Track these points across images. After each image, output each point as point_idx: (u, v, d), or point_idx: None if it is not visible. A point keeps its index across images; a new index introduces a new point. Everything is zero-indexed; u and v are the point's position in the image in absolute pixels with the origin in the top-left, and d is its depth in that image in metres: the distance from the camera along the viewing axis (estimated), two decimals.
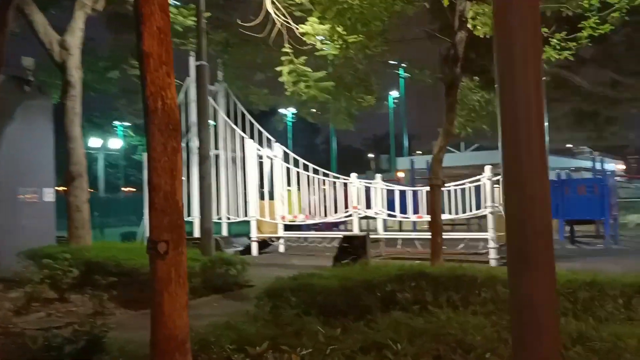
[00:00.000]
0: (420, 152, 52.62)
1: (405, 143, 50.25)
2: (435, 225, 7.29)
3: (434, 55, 16.57)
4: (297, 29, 11.54)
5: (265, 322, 5.94)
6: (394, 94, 51.06)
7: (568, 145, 55.99)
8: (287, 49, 12.05)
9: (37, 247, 10.50)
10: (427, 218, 12.84)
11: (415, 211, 13.07)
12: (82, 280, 9.08)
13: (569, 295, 5.32)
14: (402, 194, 13.49)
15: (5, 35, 7.49)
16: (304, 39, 11.77)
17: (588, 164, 38.05)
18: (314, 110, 18.15)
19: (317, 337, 5.22)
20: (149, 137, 3.49)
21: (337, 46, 10.96)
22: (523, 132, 2.11)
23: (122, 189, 51.51)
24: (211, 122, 17.23)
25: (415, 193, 13.10)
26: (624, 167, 55.79)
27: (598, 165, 34.43)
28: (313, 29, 10.86)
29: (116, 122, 36.51)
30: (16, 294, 8.83)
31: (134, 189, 54.04)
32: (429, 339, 4.65)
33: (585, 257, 12.60)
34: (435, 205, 7.25)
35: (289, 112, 51.70)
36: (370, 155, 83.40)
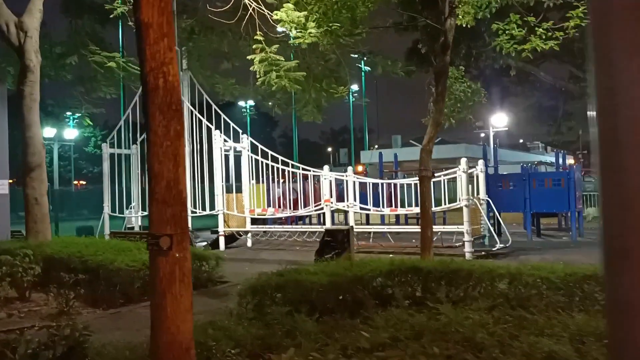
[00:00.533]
0: (377, 147, 52.87)
1: (367, 137, 50.33)
2: (426, 218, 7.09)
3: (400, 47, 16.39)
4: (271, 15, 11.14)
5: (252, 322, 5.60)
6: (354, 87, 51.11)
7: (520, 140, 57.48)
8: (259, 36, 11.63)
9: None
10: (402, 211, 12.74)
11: (389, 204, 12.93)
12: (44, 278, 8.50)
13: (576, 289, 5.20)
14: (374, 187, 13.33)
15: None
16: (277, 26, 11.39)
17: (544, 157, 39.06)
18: (273, 102, 17.78)
19: (313, 337, 4.93)
20: (148, 119, 3.11)
21: (313, 34, 10.65)
22: (623, 118, 1.82)
23: (73, 182, 49.60)
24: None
25: (388, 186, 12.95)
26: (573, 161, 57.80)
27: (552, 160, 35.23)
28: (288, 16, 10.48)
29: (70, 113, 35.01)
30: None
31: (85, 182, 52.21)
32: (435, 337, 4.43)
33: (556, 249, 12.75)
34: (425, 198, 7.05)
35: (248, 104, 51.00)
36: (329, 148, 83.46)
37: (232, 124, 15.99)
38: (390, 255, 9.88)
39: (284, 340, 4.93)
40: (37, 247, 8.98)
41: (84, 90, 17.11)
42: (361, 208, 13.12)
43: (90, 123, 20.47)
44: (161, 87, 3.07)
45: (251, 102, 44.72)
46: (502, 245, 11.76)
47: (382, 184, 13.23)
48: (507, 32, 7.78)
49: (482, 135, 40.52)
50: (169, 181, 3.05)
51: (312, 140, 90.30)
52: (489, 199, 12.27)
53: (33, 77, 9.83)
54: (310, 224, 16.73)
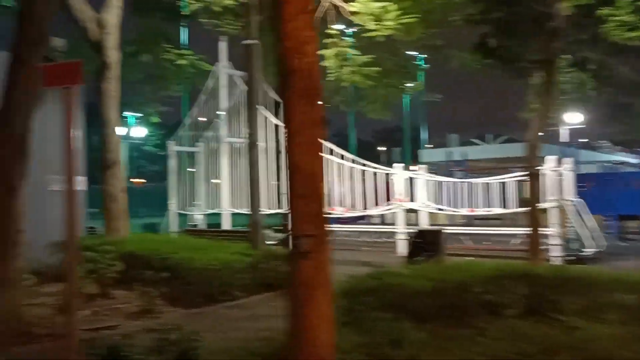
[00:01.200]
0: (432, 146, 51.61)
1: (425, 135, 49.23)
2: (535, 220, 6.57)
3: (456, 42, 15.58)
4: (345, 9, 10.77)
5: (348, 328, 5.24)
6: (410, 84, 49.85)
7: (581, 140, 54.92)
8: (332, 30, 11.28)
9: None
10: (482, 212, 12.14)
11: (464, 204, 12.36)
12: (124, 275, 8.43)
13: None
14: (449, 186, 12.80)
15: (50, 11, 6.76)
16: (351, 18, 11.01)
17: (614, 157, 37.19)
18: (339, 99, 17.40)
19: (424, 348, 4.53)
20: (286, 106, 2.77)
21: (390, 26, 10.27)
22: None
23: (132, 180, 50.71)
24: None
25: (467, 185, 12.38)
26: (637, 160, 54.90)
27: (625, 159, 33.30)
28: (366, 8, 10.09)
29: (129, 112, 35.54)
30: (51, 289, 8.17)
31: (145, 180, 53.34)
32: (573, 355, 3.94)
33: None
34: (534, 197, 6.53)
35: None
36: (381, 147, 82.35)
37: None
38: (471, 258, 9.38)
39: (393, 350, 4.55)
40: (116, 244, 8.93)
41: (152, 89, 17.25)
42: (439, 209, 12.61)
43: (160, 120, 20.68)
44: (300, 70, 2.74)
45: None
46: (594, 249, 10.95)
47: (459, 183, 12.66)
48: (616, 18, 7.13)
49: (548, 133, 38.65)
50: (308, 175, 2.73)
51: (365, 140, 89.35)
52: (582, 200, 11.45)
53: (112, 74, 9.82)
54: (371, 224, 16.32)
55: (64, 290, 4.96)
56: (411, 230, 12.07)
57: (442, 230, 8.88)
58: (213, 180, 16.80)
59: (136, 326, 6.55)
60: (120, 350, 3.81)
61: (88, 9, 9.92)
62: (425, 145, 52.29)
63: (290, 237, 2.75)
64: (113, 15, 9.90)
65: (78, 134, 12.26)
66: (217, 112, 16.58)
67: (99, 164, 10.41)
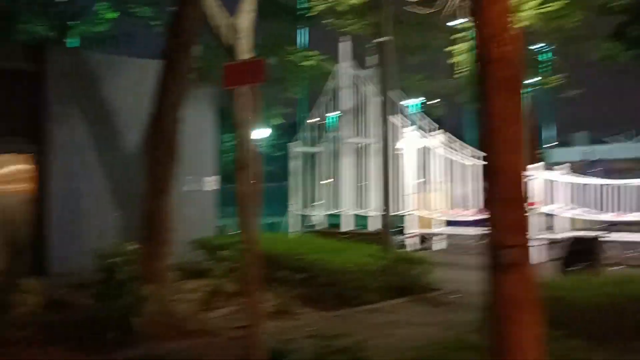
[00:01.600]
0: (557, 143, 48.35)
1: (549, 134, 46.29)
2: None
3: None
4: None
5: None
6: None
7: None
8: (467, 24, 10.77)
9: (208, 237, 10.22)
10: (633, 217, 11.00)
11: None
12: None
13: None
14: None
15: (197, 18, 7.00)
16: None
17: None
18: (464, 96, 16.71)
19: None
20: (483, 98, 2.49)
21: (528, 17, 9.63)
22: None
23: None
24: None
25: (614, 187, 11.27)
26: None
27: None
28: None
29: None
30: (192, 285, 8.47)
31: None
32: None
33: None
34: None
35: (414, 102, 49.77)
36: None
37: (419, 121, 15.28)
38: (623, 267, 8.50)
39: None
40: None
41: (274, 91, 17.60)
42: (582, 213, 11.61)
43: (284, 120, 21.13)
44: (501, 58, 2.45)
45: (421, 100, 43.44)
46: None
47: (605, 185, 11.55)
48: None
49: None
50: (511, 176, 2.43)
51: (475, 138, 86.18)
52: None
53: None
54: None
55: (245, 292, 5.00)
56: (550, 236, 11.25)
57: (600, 238, 8.05)
58: (322, 182, 16.75)
59: (278, 327, 6.55)
60: (284, 356, 3.73)
61: (223, 15, 10.19)
62: (544, 146, 49.07)
63: (490, 247, 2.45)
64: (246, 19, 10.08)
65: (211, 136, 12.68)
66: (339, 113, 16.55)
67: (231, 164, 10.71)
